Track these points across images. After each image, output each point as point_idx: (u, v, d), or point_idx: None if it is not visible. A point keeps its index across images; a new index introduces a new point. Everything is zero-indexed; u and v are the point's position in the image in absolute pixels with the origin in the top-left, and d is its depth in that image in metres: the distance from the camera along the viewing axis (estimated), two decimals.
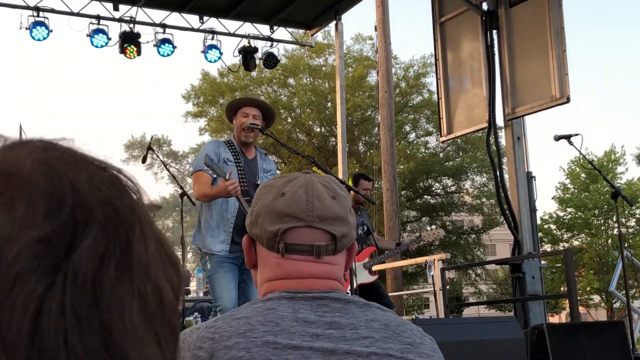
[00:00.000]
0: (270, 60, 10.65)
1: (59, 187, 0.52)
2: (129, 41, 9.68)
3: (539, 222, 9.34)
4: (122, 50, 9.68)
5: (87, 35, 9.51)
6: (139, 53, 9.76)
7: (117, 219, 0.53)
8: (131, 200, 0.56)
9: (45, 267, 0.49)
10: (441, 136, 9.71)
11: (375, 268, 8.54)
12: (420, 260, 10.91)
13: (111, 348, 0.50)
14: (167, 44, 9.98)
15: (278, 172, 5.96)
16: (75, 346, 0.49)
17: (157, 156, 8.61)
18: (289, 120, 27.03)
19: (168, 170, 9.27)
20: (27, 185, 0.52)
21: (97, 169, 0.56)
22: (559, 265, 28.06)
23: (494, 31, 8.90)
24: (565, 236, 33.70)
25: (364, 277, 7.65)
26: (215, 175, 5.30)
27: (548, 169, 66.04)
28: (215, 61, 10.42)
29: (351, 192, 7.78)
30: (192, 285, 13.15)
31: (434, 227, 8.27)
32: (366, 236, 7.91)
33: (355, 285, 6.62)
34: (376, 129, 23.09)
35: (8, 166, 0.53)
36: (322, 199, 1.54)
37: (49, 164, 0.53)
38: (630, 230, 31.87)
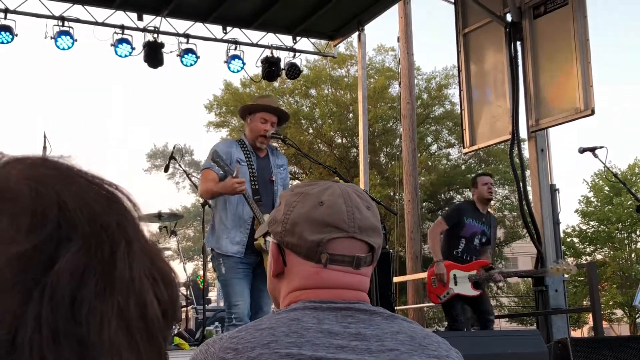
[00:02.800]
0: (293, 70, 10.68)
1: (44, 202, 0.52)
2: (155, 52, 9.75)
3: (561, 235, 9.24)
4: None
5: (112, 45, 9.58)
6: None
7: (102, 235, 0.53)
8: (120, 217, 0.56)
9: (24, 282, 0.49)
10: (464, 148, 9.68)
11: (396, 280, 8.46)
12: None
13: None
14: (190, 54, 10.02)
15: (297, 173, 5.90)
16: None
17: (180, 165, 8.66)
18: (310, 130, 27.03)
19: (190, 180, 9.32)
20: (11, 201, 0.52)
21: (89, 185, 0.56)
22: (582, 278, 27.78)
23: (518, 42, 8.87)
24: (588, 249, 33.39)
25: (464, 288, 7.25)
26: (222, 172, 5.26)
27: (571, 182, 65.56)
28: (238, 71, 10.47)
29: (474, 190, 7.65)
30: (213, 295, 13.14)
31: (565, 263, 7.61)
32: (482, 247, 7.46)
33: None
34: (398, 140, 23.04)
35: None
36: (361, 209, 1.53)
37: (37, 180, 0.53)
38: None
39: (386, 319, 1.49)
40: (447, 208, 29.17)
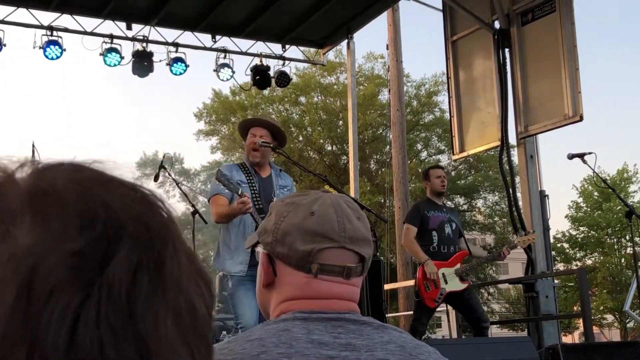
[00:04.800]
0: (282, 78, 10.69)
1: (91, 203, 0.53)
2: (141, 60, 9.74)
3: (551, 240, 9.27)
4: (134, 71, 9.72)
5: (100, 54, 9.57)
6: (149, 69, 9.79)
7: (149, 234, 0.54)
8: (162, 218, 0.58)
9: (81, 280, 0.50)
10: (453, 154, 9.71)
11: (387, 287, 8.45)
12: None
13: (147, 359, 0.51)
14: (179, 63, 10.02)
15: (295, 184, 5.91)
16: (111, 357, 0.49)
17: (169, 174, 8.61)
18: (300, 138, 27.04)
19: (180, 189, 9.26)
20: (60, 202, 0.53)
21: (127, 189, 0.58)
22: (572, 284, 27.87)
23: (506, 49, 8.91)
24: (578, 255, 33.49)
25: (454, 284, 7.06)
26: (227, 191, 5.32)
27: (561, 188, 65.72)
28: (227, 80, 10.47)
29: (426, 183, 7.52)
30: None
31: (528, 232, 7.78)
32: (456, 236, 7.30)
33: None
34: (388, 147, 23.08)
35: (42, 185, 0.54)
36: (351, 219, 1.54)
37: (80, 183, 0.55)
38: None
39: (376, 328, 1.49)
40: None
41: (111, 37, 9.65)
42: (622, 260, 32.12)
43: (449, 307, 8.71)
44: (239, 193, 5.20)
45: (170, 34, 10.07)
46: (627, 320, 30.27)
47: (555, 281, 8.65)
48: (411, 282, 12.67)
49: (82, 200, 0.53)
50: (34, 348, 0.48)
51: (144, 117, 70.99)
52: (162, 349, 0.52)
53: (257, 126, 5.64)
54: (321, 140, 26.50)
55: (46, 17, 9.31)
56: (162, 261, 0.54)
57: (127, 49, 9.77)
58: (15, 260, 0.50)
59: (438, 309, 7.72)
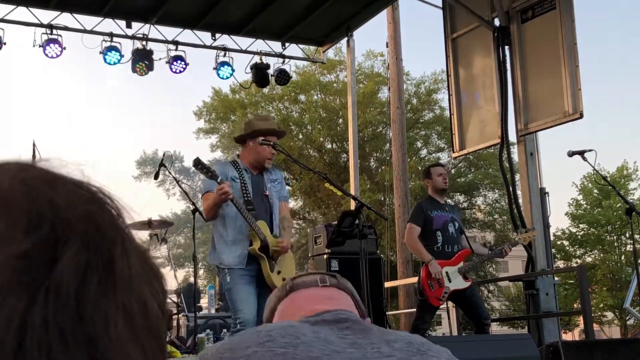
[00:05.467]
0: (282, 76, 10.68)
1: (37, 203, 0.52)
2: (142, 58, 9.73)
3: (552, 238, 9.27)
4: (134, 68, 9.73)
5: (100, 53, 9.56)
6: (149, 69, 9.80)
7: (98, 233, 0.53)
8: (111, 216, 0.57)
9: (27, 283, 0.49)
10: (453, 152, 9.70)
11: (387, 285, 8.45)
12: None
13: None
14: (179, 61, 10.01)
15: (287, 179, 5.97)
16: None
17: (169, 172, 8.60)
18: (300, 136, 27.01)
19: (180, 187, 9.27)
20: (6, 203, 0.52)
21: (74, 187, 0.56)
22: (572, 281, 27.85)
23: (506, 47, 8.90)
24: (578, 252, 33.46)
25: (458, 282, 7.08)
26: (215, 186, 5.35)
27: (561, 185, 65.70)
28: (227, 78, 10.45)
29: (428, 181, 7.43)
30: (204, 302, 13.10)
31: (529, 229, 7.77)
32: (458, 235, 7.30)
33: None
34: (387, 145, 23.07)
35: None
36: None
37: (26, 183, 0.54)
38: None
39: (382, 331, 1.51)
40: None
41: (111, 35, 9.65)
42: (622, 257, 32.11)
43: (449, 305, 8.71)
44: (218, 181, 5.25)
45: (169, 32, 10.08)
46: (627, 318, 30.28)
47: (556, 279, 8.65)
48: (411, 280, 12.68)
49: (28, 201, 0.52)
50: None
51: (143, 116, 70.98)
52: (113, 351, 0.51)
53: (274, 136, 5.74)
54: (321, 139, 26.47)
55: (46, 15, 9.31)
56: (112, 261, 0.53)
57: (127, 47, 9.78)
58: None
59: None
